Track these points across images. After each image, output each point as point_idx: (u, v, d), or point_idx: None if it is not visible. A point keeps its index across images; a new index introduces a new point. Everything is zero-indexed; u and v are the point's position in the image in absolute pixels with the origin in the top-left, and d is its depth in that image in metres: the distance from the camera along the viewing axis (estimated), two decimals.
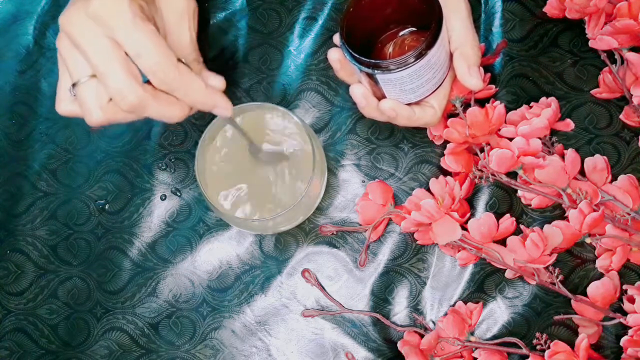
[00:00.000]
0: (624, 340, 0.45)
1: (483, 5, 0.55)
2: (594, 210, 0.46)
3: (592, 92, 0.52)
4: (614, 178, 0.49)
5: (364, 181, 0.54)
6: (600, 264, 0.49)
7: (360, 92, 0.44)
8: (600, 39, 0.49)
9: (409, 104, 0.45)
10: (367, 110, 0.46)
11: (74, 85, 0.38)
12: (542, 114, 0.48)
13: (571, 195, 0.48)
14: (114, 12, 0.36)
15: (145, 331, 0.53)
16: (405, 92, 0.43)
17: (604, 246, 0.48)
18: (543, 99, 0.51)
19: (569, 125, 0.51)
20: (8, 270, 0.55)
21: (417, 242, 0.51)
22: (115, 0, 0.36)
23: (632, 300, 0.47)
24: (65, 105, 0.41)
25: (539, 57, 0.54)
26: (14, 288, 0.55)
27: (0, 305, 0.54)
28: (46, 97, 0.57)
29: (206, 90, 0.39)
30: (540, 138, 0.47)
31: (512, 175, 0.49)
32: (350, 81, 0.46)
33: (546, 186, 0.48)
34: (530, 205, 0.50)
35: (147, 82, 0.38)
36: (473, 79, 0.44)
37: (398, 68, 0.40)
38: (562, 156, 0.48)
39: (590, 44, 0.50)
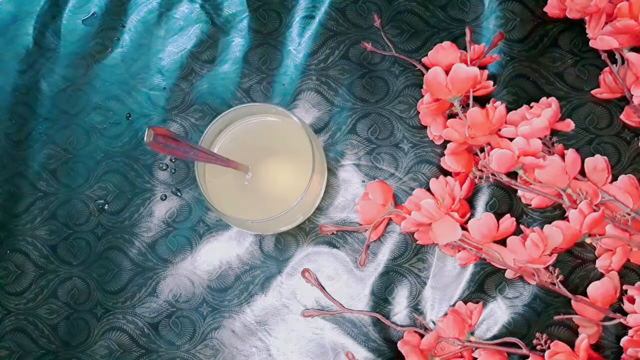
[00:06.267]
0: (624, 341, 0.45)
1: (483, 5, 0.55)
2: (594, 211, 0.46)
3: (592, 92, 0.52)
4: (615, 178, 0.49)
5: (364, 181, 0.54)
6: (600, 264, 0.49)
7: None
8: (600, 39, 0.49)
9: None
10: None
11: None
12: (543, 114, 0.48)
13: (571, 196, 0.47)
14: None
15: (145, 331, 0.53)
16: None
17: (604, 246, 0.48)
18: (543, 99, 0.50)
19: (569, 125, 0.51)
20: (8, 270, 0.55)
21: (417, 242, 0.51)
22: None
23: (632, 300, 0.46)
24: None
25: (539, 57, 0.54)
26: (14, 288, 0.55)
27: (0, 305, 0.54)
28: (46, 97, 0.57)
29: None
30: (540, 138, 0.47)
31: (512, 175, 0.49)
32: None
33: (546, 186, 0.48)
34: (530, 205, 0.50)
35: None
36: None
37: None
38: (563, 156, 0.48)
39: (591, 44, 0.50)
